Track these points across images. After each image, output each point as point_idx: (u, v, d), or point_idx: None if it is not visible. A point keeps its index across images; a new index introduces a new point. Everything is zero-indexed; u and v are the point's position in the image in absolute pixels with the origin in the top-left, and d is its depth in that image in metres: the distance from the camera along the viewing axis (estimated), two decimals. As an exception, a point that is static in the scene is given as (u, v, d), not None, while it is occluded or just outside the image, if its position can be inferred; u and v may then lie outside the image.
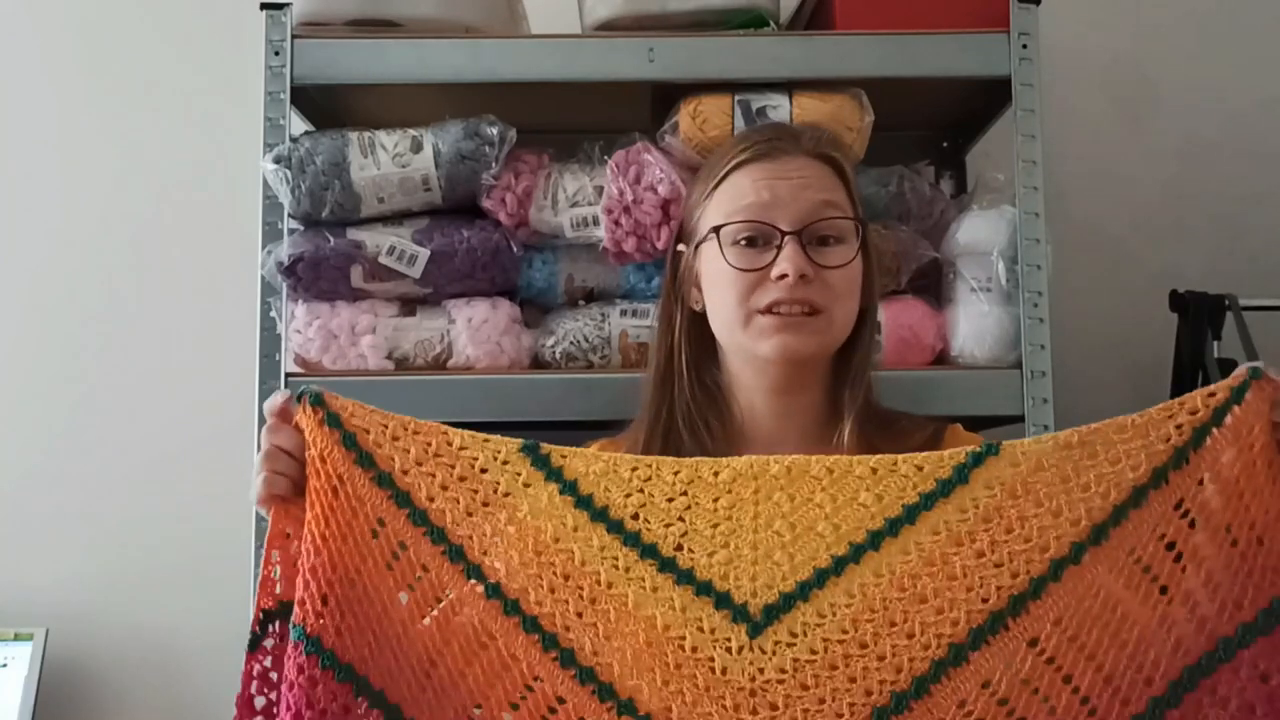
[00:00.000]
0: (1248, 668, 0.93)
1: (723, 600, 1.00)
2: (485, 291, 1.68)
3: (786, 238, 1.20)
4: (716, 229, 1.24)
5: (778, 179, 1.23)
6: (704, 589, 1.00)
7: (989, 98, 1.76)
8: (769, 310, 1.21)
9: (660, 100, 1.71)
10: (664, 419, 1.27)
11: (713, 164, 1.30)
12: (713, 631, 0.99)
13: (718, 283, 1.25)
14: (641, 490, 1.04)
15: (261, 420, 1.59)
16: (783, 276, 1.20)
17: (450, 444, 1.11)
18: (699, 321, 1.31)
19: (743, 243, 1.23)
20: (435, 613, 1.07)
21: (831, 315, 1.23)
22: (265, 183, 1.65)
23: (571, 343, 1.66)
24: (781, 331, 1.21)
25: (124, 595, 2.09)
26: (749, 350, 1.25)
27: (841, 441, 1.24)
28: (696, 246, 1.28)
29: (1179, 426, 0.99)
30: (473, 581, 1.05)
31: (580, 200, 1.66)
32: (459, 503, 1.07)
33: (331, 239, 1.63)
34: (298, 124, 1.72)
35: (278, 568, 1.08)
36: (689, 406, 1.27)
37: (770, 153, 1.25)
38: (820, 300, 1.21)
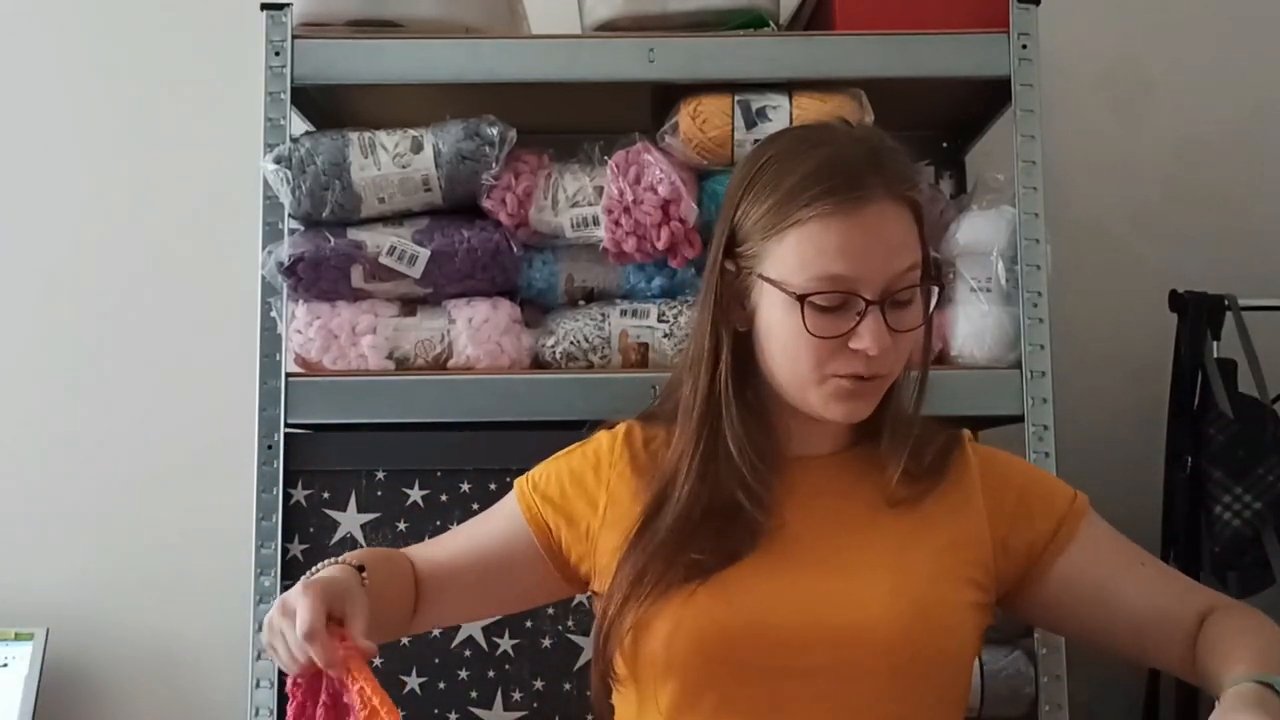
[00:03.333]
0: None
1: None
2: (485, 291, 1.68)
3: (870, 307, 1.15)
4: (800, 297, 1.16)
5: (867, 238, 1.14)
6: None
7: (989, 98, 1.76)
8: (843, 375, 1.17)
9: (660, 100, 1.71)
10: (704, 448, 1.22)
11: (784, 185, 1.18)
12: None
13: (789, 341, 1.18)
14: None
15: (263, 421, 1.62)
16: (862, 348, 1.15)
17: None
18: (743, 340, 1.23)
19: (823, 306, 1.16)
20: None
21: (892, 376, 1.21)
22: (266, 183, 1.66)
23: (571, 343, 1.66)
24: (852, 399, 1.18)
25: (124, 595, 2.10)
26: (813, 408, 1.20)
27: (885, 459, 1.23)
28: (757, 276, 1.20)
29: None
30: None
31: (580, 200, 1.66)
32: None
33: (332, 239, 1.64)
34: (298, 124, 1.72)
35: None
36: (740, 434, 1.21)
37: (857, 203, 1.14)
38: (888, 366, 1.18)
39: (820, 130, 1.29)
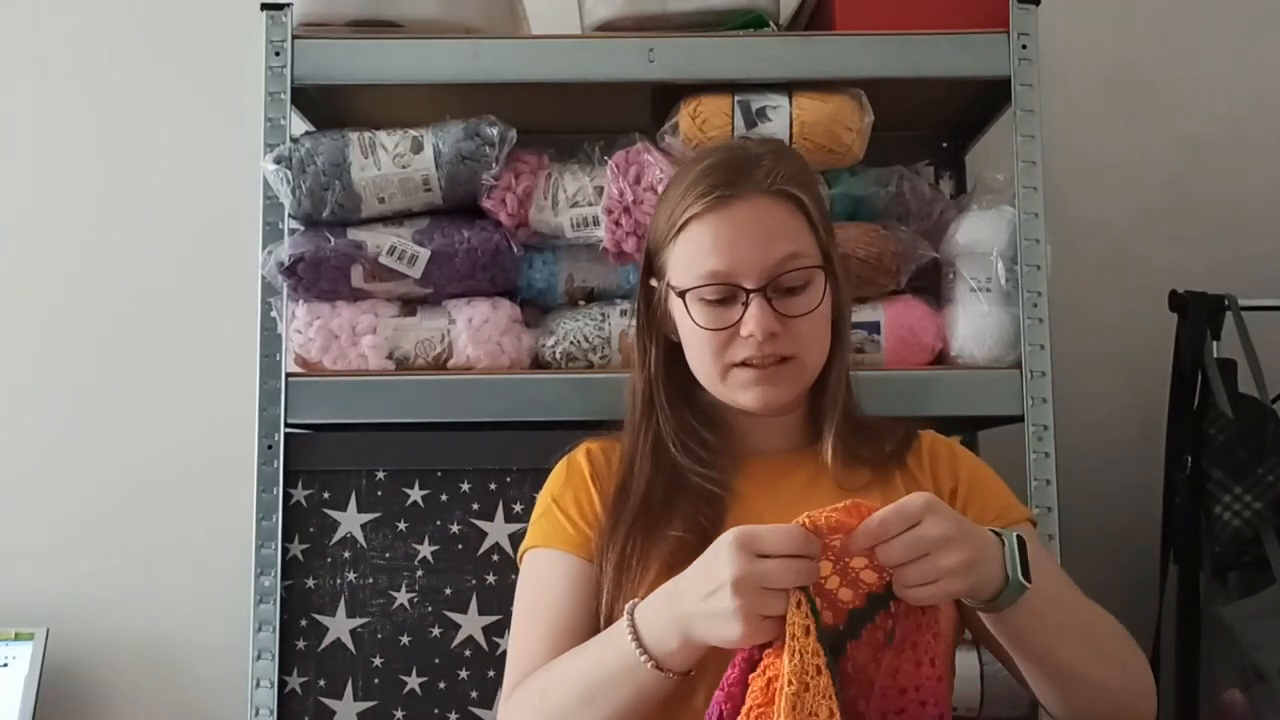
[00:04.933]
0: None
1: None
2: (485, 291, 1.68)
3: (751, 295, 1.22)
4: (682, 292, 1.25)
5: (738, 232, 1.22)
6: None
7: (989, 98, 1.76)
8: (743, 363, 1.24)
9: (660, 100, 1.71)
10: (651, 441, 1.30)
11: (673, 199, 1.28)
12: None
13: (690, 339, 1.27)
14: None
15: (263, 420, 1.63)
16: (748, 333, 1.23)
17: None
18: (679, 350, 1.31)
19: (709, 300, 1.24)
20: None
21: (803, 361, 1.26)
22: (266, 183, 1.66)
23: (571, 343, 1.67)
24: (758, 384, 1.24)
25: (124, 595, 2.10)
26: (730, 399, 1.28)
27: (825, 453, 1.28)
28: (667, 287, 1.29)
29: None
30: None
31: (580, 200, 1.66)
32: None
33: (332, 239, 1.64)
34: (298, 124, 1.72)
35: None
36: (675, 433, 1.29)
37: (728, 200, 1.23)
38: (790, 349, 1.24)
39: (715, 146, 1.41)
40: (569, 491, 1.30)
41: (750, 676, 1.02)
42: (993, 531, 1.07)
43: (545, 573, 1.27)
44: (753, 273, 1.22)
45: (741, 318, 1.22)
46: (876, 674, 1.04)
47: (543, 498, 1.33)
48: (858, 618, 1.03)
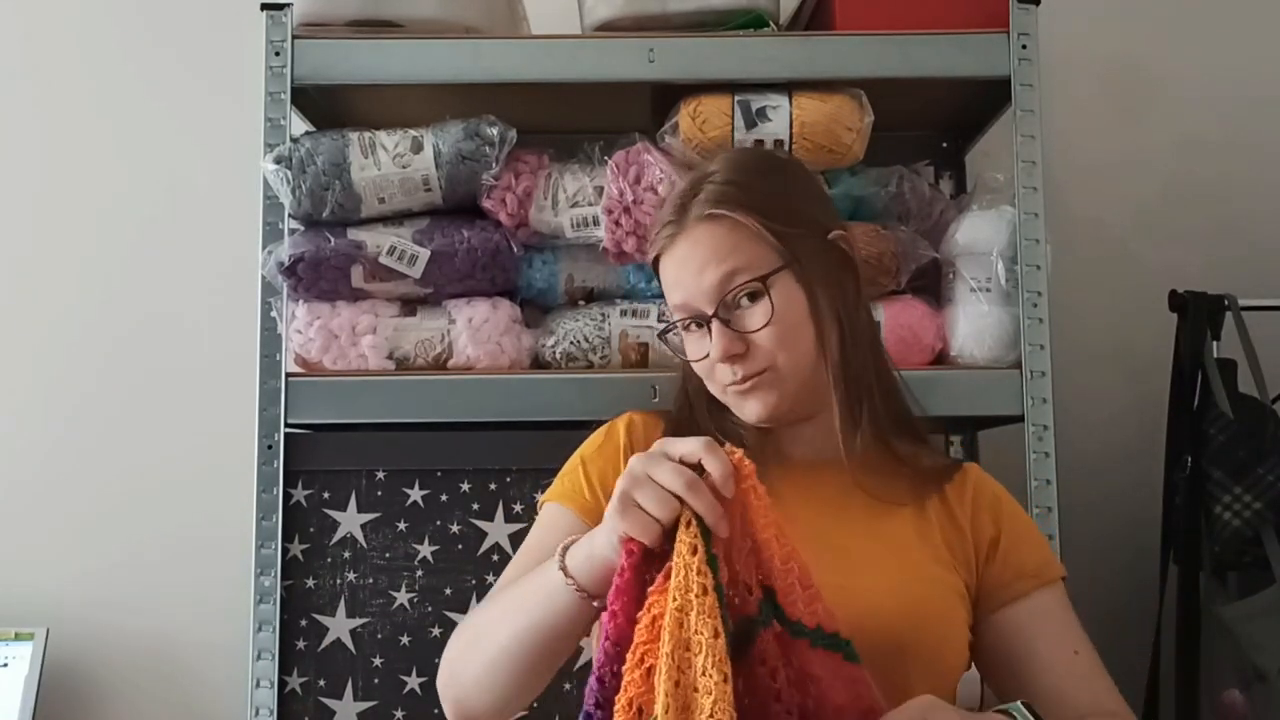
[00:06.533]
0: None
1: None
2: (485, 291, 1.68)
3: (711, 322, 1.24)
4: (661, 333, 1.33)
5: (681, 266, 1.25)
6: None
7: (989, 98, 1.76)
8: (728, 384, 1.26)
9: (660, 100, 1.71)
10: (693, 426, 1.29)
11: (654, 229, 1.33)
12: None
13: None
14: None
15: (263, 420, 1.63)
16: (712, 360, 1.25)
17: None
18: None
19: (691, 330, 1.27)
20: None
21: (778, 369, 1.24)
22: (266, 183, 1.66)
23: (571, 343, 1.67)
24: (748, 398, 1.25)
25: (124, 595, 2.10)
26: (737, 413, 1.28)
27: (853, 461, 1.24)
28: None
29: None
30: None
31: (580, 200, 1.66)
32: None
33: (332, 239, 1.64)
34: (298, 124, 1.72)
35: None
36: (717, 430, 1.28)
37: (672, 240, 1.25)
38: (761, 364, 1.23)
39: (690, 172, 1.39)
40: (599, 459, 1.30)
41: (637, 614, 0.98)
42: (999, 711, 1.07)
43: (549, 527, 1.27)
44: (703, 300, 1.23)
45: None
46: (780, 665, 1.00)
47: (575, 455, 1.32)
48: (755, 622, 1.01)
